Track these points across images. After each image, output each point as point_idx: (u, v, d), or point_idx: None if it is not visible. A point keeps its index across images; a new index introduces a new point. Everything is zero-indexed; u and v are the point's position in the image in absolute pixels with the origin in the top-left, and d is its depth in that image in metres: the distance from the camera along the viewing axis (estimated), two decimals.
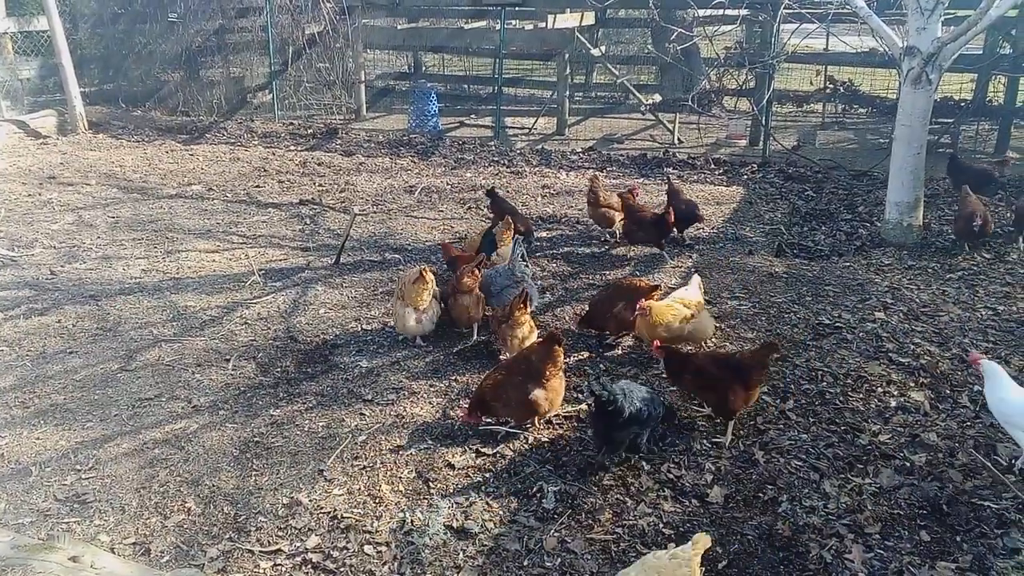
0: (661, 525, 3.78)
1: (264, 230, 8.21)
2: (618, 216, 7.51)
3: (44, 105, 13.12)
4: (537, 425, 4.56)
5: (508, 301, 5.31)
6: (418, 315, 5.39)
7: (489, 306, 5.66)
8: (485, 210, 8.74)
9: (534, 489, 4.03)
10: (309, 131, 12.57)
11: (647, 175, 10.26)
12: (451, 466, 4.22)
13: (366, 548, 3.65)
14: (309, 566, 3.55)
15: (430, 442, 4.43)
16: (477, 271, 5.54)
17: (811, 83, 12.50)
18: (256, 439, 4.49)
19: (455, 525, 3.79)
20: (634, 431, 4.10)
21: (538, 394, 4.36)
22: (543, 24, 13.32)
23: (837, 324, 5.77)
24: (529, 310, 5.15)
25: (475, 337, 5.67)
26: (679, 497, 3.99)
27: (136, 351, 5.56)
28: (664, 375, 4.85)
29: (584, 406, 4.76)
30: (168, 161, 11.05)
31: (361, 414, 4.73)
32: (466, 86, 15.55)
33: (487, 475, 4.15)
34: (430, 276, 5.41)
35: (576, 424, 4.61)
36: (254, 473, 4.19)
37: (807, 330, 5.70)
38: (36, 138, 12.13)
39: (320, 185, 9.88)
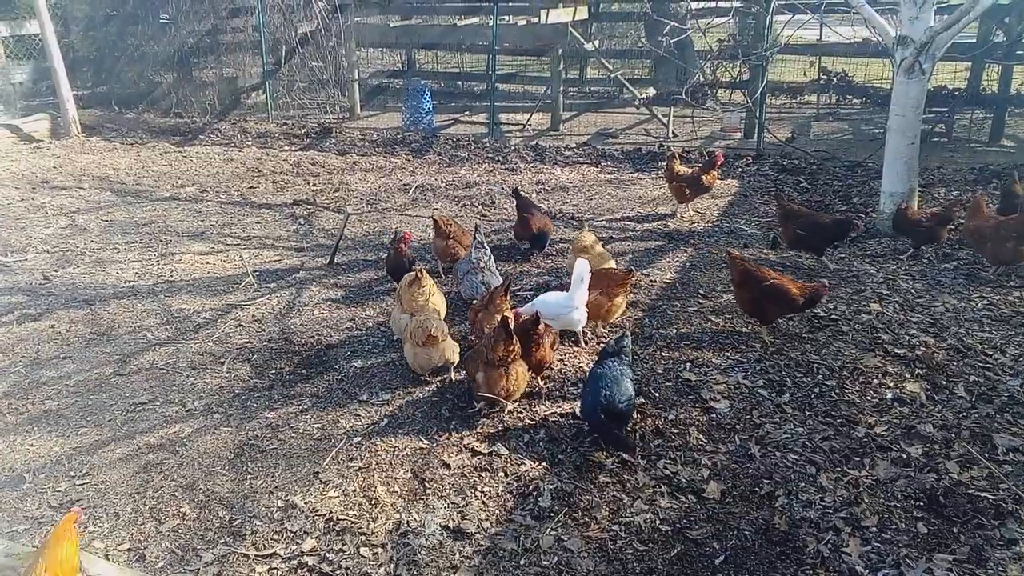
0: (658, 522, 3.77)
1: (258, 231, 8.19)
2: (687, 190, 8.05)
3: (37, 109, 13.08)
4: (502, 405, 4.63)
5: (472, 287, 5.77)
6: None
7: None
8: (480, 208, 8.75)
9: (530, 488, 4.02)
10: (303, 131, 12.53)
11: (642, 170, 10.25)
12: (447, 466, 4.21)
13: (362, 550, 3.64)
14: (305, 569, 3.54)
15: (425, 442, 4.42)
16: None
17: (805, 74, 12.44)
18: (251, 442, 4.47)
19: (451, 525, 3.78)
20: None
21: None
22: (536, 19, 13.29)
23: (833, 316, 5.75)
24: (507, 300, 5.14)
25: None
26: (676, 493, 3.97)
27: (130, 355, 5.54)
28: None
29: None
30: (162, 163, 11.02)
31: (356, 415, 4.71)
32: (460, 83, 15.50)
33: (483, 474, 4.14)
34: (428, 279, 5.25)
35: (572, 421, 4.59)
36: (249, 476, 4.18)
37: (803, 323, 5.68)
38: (29, 142, 12.10)
39: (314, 185, 9.86)
